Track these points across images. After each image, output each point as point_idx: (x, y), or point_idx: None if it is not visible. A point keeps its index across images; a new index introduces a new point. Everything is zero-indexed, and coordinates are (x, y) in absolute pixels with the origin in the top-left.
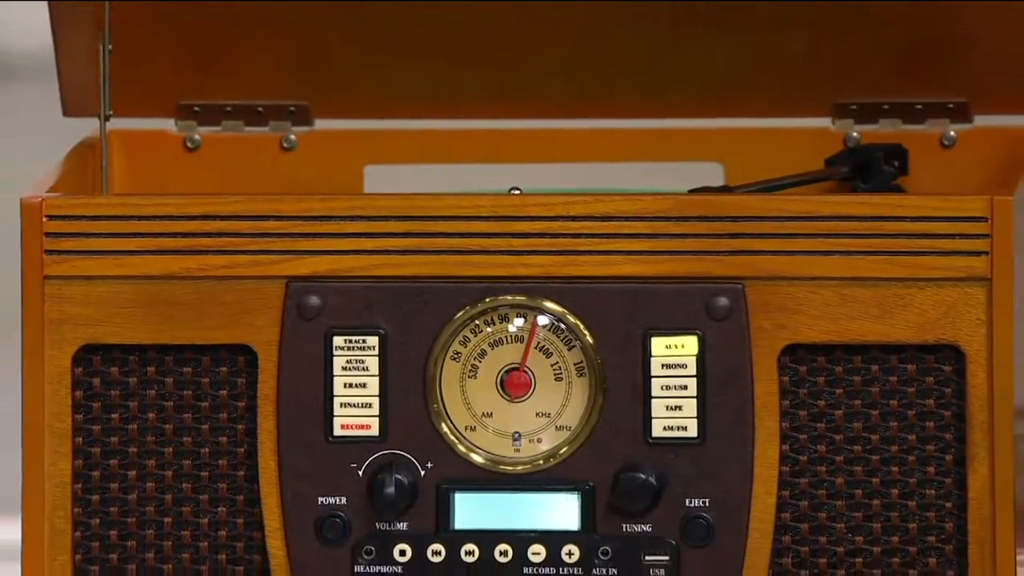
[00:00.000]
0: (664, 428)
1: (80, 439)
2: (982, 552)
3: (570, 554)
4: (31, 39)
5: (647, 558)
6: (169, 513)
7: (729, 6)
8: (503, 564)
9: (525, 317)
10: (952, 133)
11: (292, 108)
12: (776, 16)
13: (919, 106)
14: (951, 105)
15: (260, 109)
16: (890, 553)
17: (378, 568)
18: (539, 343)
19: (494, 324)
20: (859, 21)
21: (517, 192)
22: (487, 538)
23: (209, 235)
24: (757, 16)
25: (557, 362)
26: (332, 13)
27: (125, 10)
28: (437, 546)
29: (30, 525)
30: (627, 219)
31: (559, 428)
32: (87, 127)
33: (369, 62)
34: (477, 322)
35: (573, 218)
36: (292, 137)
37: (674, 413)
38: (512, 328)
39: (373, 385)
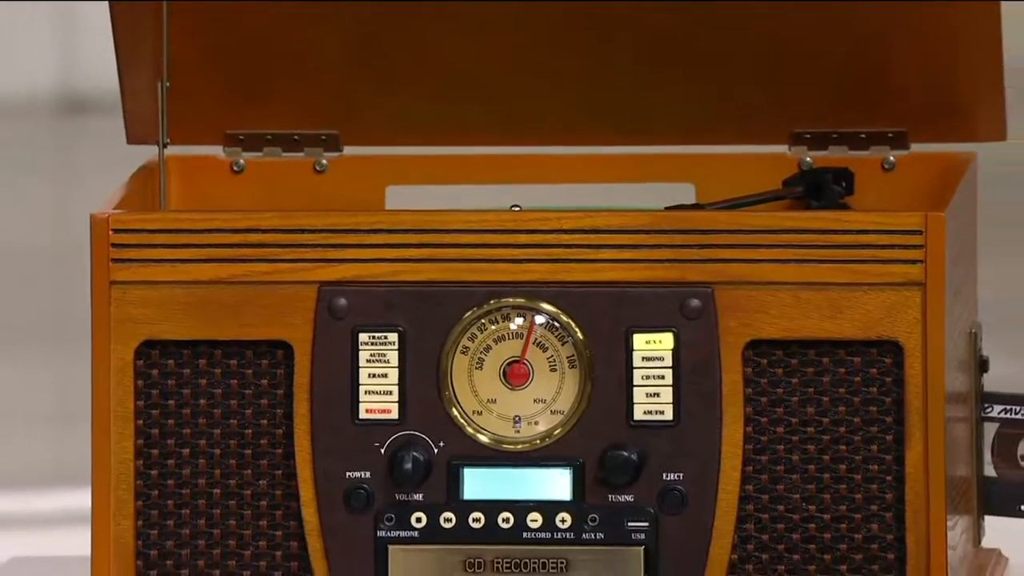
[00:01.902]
0: (644, 412)
1: (141, 422)
2: (917, 519)
3: (563, 521)
4: (100, 80)
5: (630, 524)
6: (218, 485)
7: (695, 52)
8: (505, 529)
9: (524, 316)
10: (892, 158)
11: (324, 136)
12: (737, 59)
13: (863, 135)
14: (891, 134)
15: (296, 137)
16: (838, 520)
17: (397, 533)
18: (536, 339)
19: (498, 323)
20: (810, 62)
21: (517, 208)
22: (492, 507)
23: (252, 246)
24: (720, 59)
25: (552, 355)
26: (359, 57)
27: (181, 53)
28: (448, 514)
29: (98, 495)
30: (612, 232)
31: (553, 412)
32: (147, 153)
33: (391, 98)
34: (483, 321)
35: (565, 231)
36: (324, 161)
37: (653, 399)
38: (513, 326)
39: (393, 375)
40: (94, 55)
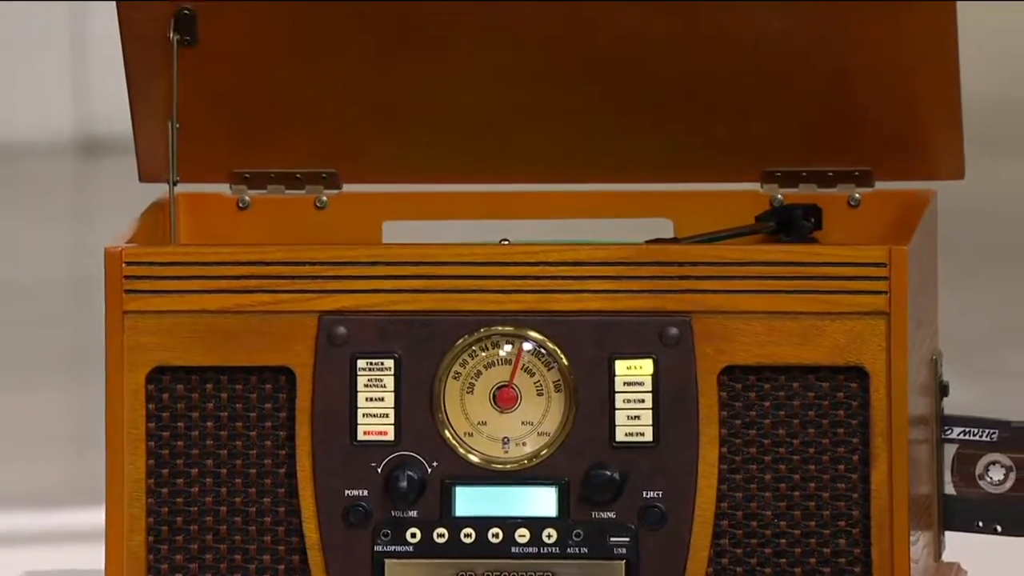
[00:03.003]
0: (626, 434)
1: (152, 443)
2: (882, 534)
3: (549, 536)
4: (115, 124)
5: (612, 539)
6: (224, 503)
7: (673, 97)
8: (495, 544)
9: (513, 343)
10: (857, 195)
11: (324, 175)
12: (712, 103)
13: (830, 173)
14: (856, 173)
15: (298, 176)
16: (808, 535)
17: (393, 548)
18: (524, 365)
19: (488, 349)
20: (781, 106)
21: (506, 243)
22: (482, 523)
23: (256, 277)
24: (696, 104)
25: (539, 380)
26: (357, 100)
27: (189, 97)
28: (441, 530)
29: (112, 512)
30: (595, 264)
31: (540, 434)
32: (158, 191)
33: (388, 139)
34: (474, 348)
35: (551, 264)
36: (324, 198)
37: (634, 422)
38: (502, 353)
39: (389, 399)
40: (109, 101)
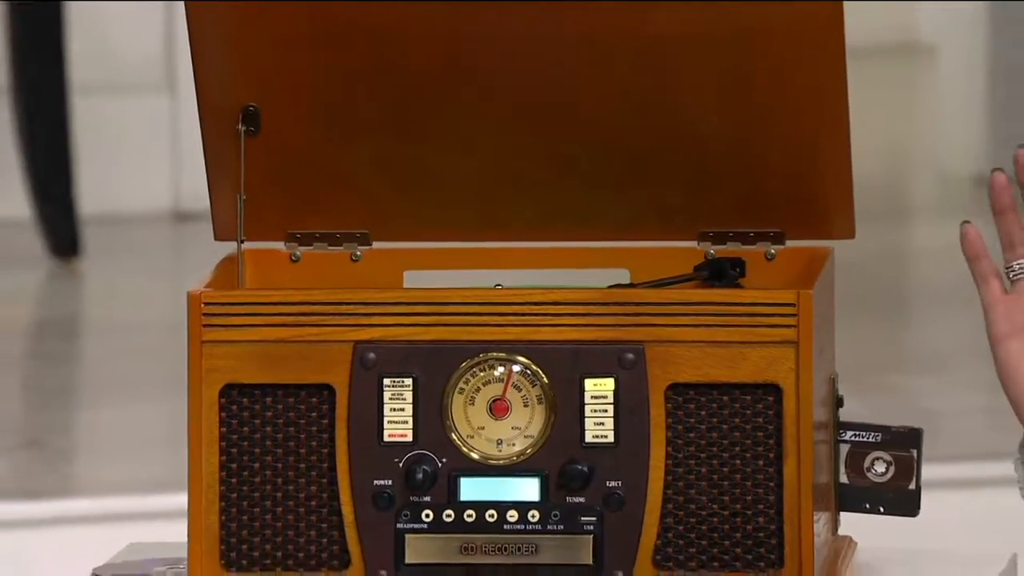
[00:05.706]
0: (593, 437)
1: (224, 444)
2: (792, 515)
3: (533, 516)
4: (198, 198)
5: (582, 519)
6: (280, 490)
7: (629, 172)
8: (491, 523)
9: (505, 366)
10: (772, 251)
11: (358, 235)
12: (659, 178)
13: (751, 234)
14: (771, 233)
15: (337, 235)
16: (735, 515)
17: (412, 525)
18: (514, 382)
19: (485, 370)
20: (713, 183)
21: (500, 287)
22: (481, 506)
23: (304, 315)
24: (646, 178)
25: (525, 395)
26: (384, 175)
27: (253, 175)
28: (449, 511)
29: (194, 497)
30: (569, 304)
31: (526, 437)
32: (229, 248)
33: (407, 206)
34: (475, 369)
35: (535, 303)
36: (358, 253)
37: (599, 427)
38: (496, 373)
39: (409, 410)
40: (195, 180)
